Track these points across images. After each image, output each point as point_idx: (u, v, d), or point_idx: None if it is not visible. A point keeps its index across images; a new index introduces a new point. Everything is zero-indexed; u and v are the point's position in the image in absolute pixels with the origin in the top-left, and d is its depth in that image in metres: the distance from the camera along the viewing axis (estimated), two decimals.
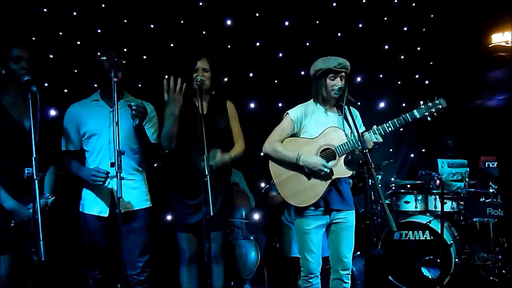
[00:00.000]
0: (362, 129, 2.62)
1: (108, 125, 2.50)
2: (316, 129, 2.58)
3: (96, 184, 2.43)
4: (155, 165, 2.73)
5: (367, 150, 2.31)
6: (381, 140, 2.46)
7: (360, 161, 2.57)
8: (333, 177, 2.50)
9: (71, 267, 3.25)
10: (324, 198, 2.54)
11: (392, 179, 4.45)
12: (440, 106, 2.48)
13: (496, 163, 4.02)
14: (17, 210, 2.25)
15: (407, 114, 2.49)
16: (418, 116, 2.47)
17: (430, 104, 2.48)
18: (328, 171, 2.47)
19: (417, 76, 5.14)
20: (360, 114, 2.72)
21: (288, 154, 2.56)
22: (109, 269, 2.51)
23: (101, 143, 2.52)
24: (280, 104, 4.61)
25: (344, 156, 2.50)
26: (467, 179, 4.42)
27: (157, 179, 2.81)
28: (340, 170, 2.50)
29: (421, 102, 2.49)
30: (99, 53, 2.50)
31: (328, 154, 2.54)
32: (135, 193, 2.57)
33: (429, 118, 2.49)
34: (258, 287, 3.90)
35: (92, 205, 2.52)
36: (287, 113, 2.65)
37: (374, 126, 2.50)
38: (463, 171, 4.54)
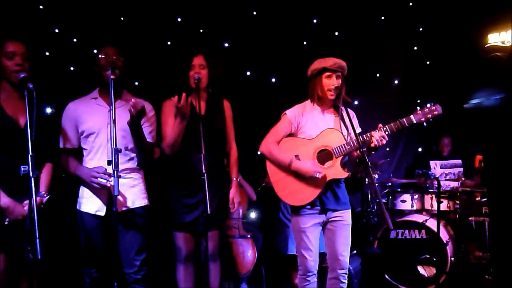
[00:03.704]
0: (358, 130, 2.62)
1: (107, 123, 2.48)
2: (313, 130, 2.57)
3: (94, 185, 2.42)
4: (150, 165, 2.72)
5: (364, 149, 2.31)
6: (386, 135, 2.45)
7: (357, 160, 2.58)
8: (329, 178, 2.50)
9: (68, 265, 3.24)
10: (320, 198, 2.54)
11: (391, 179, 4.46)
12: (436, 112, 2.49)
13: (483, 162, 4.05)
14: (11, 207, 2.23)
15: (404, 119, 2.49)
16: (415, 122, 2.49)
17: (427, 110, 2.49)
18: (320, 176, 2.46)
19: (414, 76, 5.15)
20: (356, 113, 2.72)
21: (282, 159, 2.55)
22: (106, 268, 2.50)
23: (99, 141, 2.51)
24: (278, 102, 4.60)
25: (340, 157, 2.50)
26: (463, 178, 4.45)
27: (154, 177, 2.80)
28: (336, 171, 2.50)
29: (418, 108, 2.51)
30: (96, 51, 2.49)
31: (325, 155, 2.54)
32: (133, 191, 2.56)
33: (425, 124, 2.51)
34: (255, 286, 3.90)
35: (89, 203, 2.51)
36: (285, 113, 2.64)
37: (380, 124, 2.49)
38: (456, 171, 4.56)
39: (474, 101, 4.67)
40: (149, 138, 2.61)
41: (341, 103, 2.50)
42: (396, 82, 5.16)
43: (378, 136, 2.42)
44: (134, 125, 2.43)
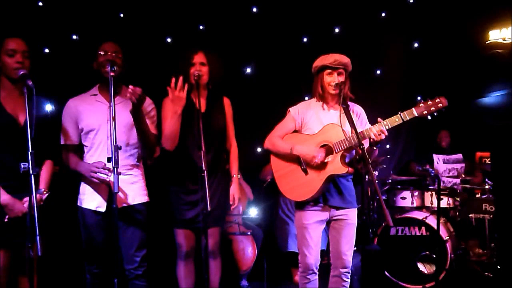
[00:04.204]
0: (368, 127, 2.59)
1: (107, 120, 2.48)
2: (316, 126, 2.58)
3: (94, 180, 2.42)
4: (152, 160, 2.72)
5: (364, 146, 2.28)
6: (385, 129, 2.38)
7: (357, 157, 2.57)
8: (329, 174, 2.49)
9: (69, 261, 3.24)
10: (323, 194, 2.54)
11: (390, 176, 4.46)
12: (441, 105, 2.35)
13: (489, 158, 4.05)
14: (11, 204, 2.23)
15: (405, 112, 2.38)
16: (416, 115, 2.37)
17: (430, 102, 2.35)
18: (319, 160, 2.46)
19: (414, 73, 5.14)
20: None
21: (284, 145, 2.58)
22: (106, 264, 2.51)
23: (99, 138, 2.51)
24: (279, 99, 4.60)
25: (340, 153, 2.49)
26: (463, 175, 4.44)
27: (155, 174, 2.80)
28: (336, 166, 2.49)
29: (421, 100, 2.37)
30: (96, 47, 2.48)
31: (326, 150, 2.53)
32: (133, 188, 2.56)
33: (429, 117, 2.38)
34: (255, 283, 3.91)
35: (90, 199, 2.51)
36: (289, 110, 2.67)
37: (379, 119, 2.43)
38: (459, 167, 4.54)
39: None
40: (151, 129, 2.59)
41: (344, 99, 2.48)
42: (396, 79, 5.14)
43: (376, 130, 2.38)
44: (137, 112, 2.40)
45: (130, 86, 2.32)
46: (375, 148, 2.48)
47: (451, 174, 4.48)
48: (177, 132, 2.59)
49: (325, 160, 2.52)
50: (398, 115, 2.40)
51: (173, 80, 2.46)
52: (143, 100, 2.39)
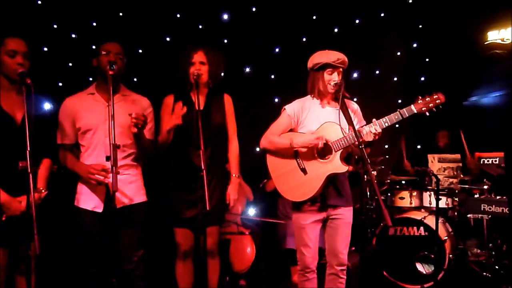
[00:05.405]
0: (362, 123, 2.60)
1: (104, 119, 2.47)
2: (313, 124, 2.56)
3: (91, 181, 2.41)
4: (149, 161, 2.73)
5: (362, 146, 2.28)
6: (380, 130, 2.41)
7: (356, 157, 2.56)
8: (329, 173, 2.49)
9: (67, 261, 3.23)
10: (321, 193, 2.53)
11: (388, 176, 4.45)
12: (439, 101, 2.40)
13: (495, 159, 4.04)
14: (8, 203, 2.22)
15: (404, 109, 2.42)
16: (415, 111, 2.40)
17: (428, 99, 2.40)
18: (322, 143, 2.44)
19: (413, 73, 5.15)
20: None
21: (282, 141, 2.55)
22: (104, 264, 2.50)
23: (97, 138, 2.50)
24: (276, 99, 4.61)
25: (340, 151, 2.49)
26: (461, 175, 4.43)
27: (153, 173, 2.79)
28: (336, 165, 2.49)
29: (419, 97, 2.42)
30: (99, 45, 2.47)
31: (325, 149, 2.53)
32: (131, 188, 2.55)
33: (427, 114, 2.42)
34: (254, 282, 3.90)
35: (87, 200, 2.50)
36: (284, 108, 2.64)
37: (374, 119, 2.46)
38: (454, 166, 4.53)
39: (473, 98, 4.67)
40: (148, 135, 2.60)
41: (341, 97, 2.47)
42: (395, 79, 5.15)
43: (368, 130, 2.39)
44: (139, 134, 2.44)
45: (133, 114, 2.34)
46: (369, 147, 2.48)
47: (446, 173, 4.46)
48: (168, 143, 2.65)
49: (324, 160, 2.51)
50: (397, 112, 2.43)
51: (180, 104, 2.48)
52: (146, 123, 2.42)
